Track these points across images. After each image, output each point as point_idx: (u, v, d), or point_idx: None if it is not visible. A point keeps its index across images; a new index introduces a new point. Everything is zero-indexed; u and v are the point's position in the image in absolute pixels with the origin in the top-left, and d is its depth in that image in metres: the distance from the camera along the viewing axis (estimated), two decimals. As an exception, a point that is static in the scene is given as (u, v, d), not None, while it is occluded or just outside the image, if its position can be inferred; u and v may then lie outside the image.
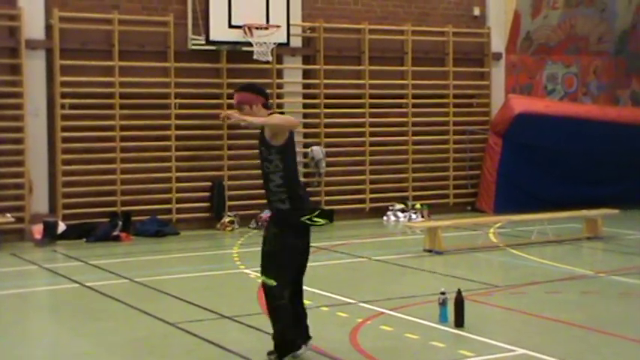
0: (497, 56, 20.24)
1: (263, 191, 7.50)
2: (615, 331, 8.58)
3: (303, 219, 7.36)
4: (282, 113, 7.64)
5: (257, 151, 7.50)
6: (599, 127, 19.20)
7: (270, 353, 7.51)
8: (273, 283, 7.27)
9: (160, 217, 16.69)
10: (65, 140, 16.11)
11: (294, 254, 7.39)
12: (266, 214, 17.05)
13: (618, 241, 14.92)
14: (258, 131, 7.50)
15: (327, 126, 18.22)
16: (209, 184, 17.30)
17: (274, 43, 16.73)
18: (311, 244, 7.57)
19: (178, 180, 17.09)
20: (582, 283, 11.29)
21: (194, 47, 16.93)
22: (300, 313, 7.58)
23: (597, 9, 20.88)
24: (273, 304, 7.35)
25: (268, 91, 17.63)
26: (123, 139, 16.58)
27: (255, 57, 16.59)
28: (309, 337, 7.60)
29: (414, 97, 19.27)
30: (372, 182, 18.86)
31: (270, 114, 7.41)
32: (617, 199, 17.82)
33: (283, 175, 7.31)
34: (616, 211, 15.65)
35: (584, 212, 15.54)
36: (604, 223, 15.29)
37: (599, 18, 21.04)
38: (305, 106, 18.38)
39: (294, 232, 7.37)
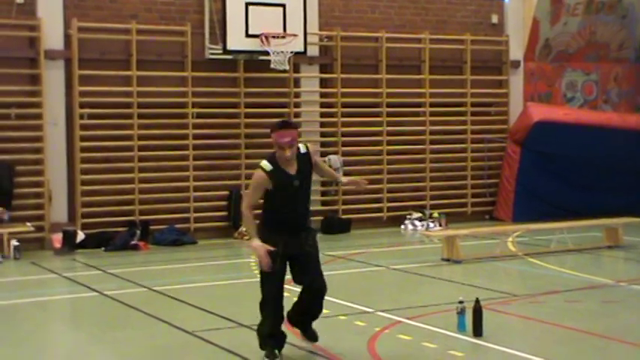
0: (516, 64, 20.19)
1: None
2: (636, 341, 8.51)
3: None
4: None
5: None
6: (619, 135, 19.11)
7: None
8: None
9: (177, 226, 16.72)
10: (84, 150, 16.18)
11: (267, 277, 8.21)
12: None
13: (639, 250, 14.82)
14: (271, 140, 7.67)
15: (344, 135, 18.21)
16: (226, 193, 17.32)
17: (291, 52, 16.73)
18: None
19: (196, 189, 17.11)
20: (602, 292, 11.22)
21: (211, 56, 16.98)
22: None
23: (618, 15, 20.81)
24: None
25: (285, 100, 17.85)
26: (141, 148, 16.62)
27: (272, 66, 16.60)
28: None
29: (432, 105, 19.23)
30: (389, 191, 18.82)
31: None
32: (637, 207, 17.72)
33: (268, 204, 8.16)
34: (637, 219, 15.56)
35: (604, 221, 15.45)
36: (624, 231, 15.18)
37: (620, 25, 20.96)
38: (322, 115, 18.38)
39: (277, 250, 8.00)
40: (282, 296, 8.01)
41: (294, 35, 16.69)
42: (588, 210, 17.67)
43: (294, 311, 8.21)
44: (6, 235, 14.97)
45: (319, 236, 16.98)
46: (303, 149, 7.87)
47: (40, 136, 15.86)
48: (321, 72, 18.42)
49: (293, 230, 7.97)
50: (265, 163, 7.75)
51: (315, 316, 8.19)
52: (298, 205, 7.95)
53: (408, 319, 9.54)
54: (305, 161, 7.86)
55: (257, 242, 7.83)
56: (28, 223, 15.42)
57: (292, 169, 7.81)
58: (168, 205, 16.90)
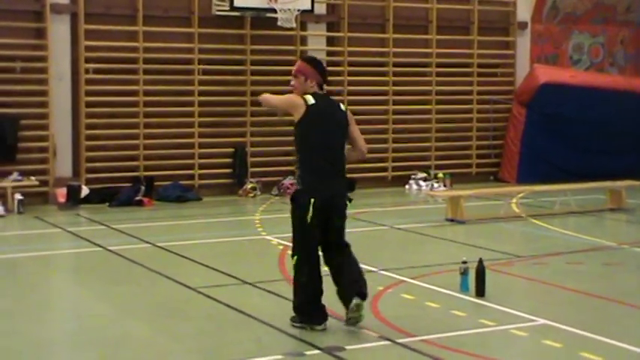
0: (523, 25, 20.08)
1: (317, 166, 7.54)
2: (637, 303, 8.55)
3: None
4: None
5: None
6: (624, 98, 19.06)
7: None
8: (297, 257, 7.60)
9: (182, 182, 16.74)
10: (89, 105, 16.16)
11: (301, 229, 7.63)
12: (289, 180, 17.09)
13: (642, 213, 14.86)
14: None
15: (350, 94, 18.15)
16: (232, 150, 17.32)
17: (298, 10, 16.65)
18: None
19: (201, 146, 17.11)
20: (604, 254, 11.26)
21: (218, 13, 16.89)
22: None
23: (626, -22, 20.68)
24: (297, 277, 7.65)
25: (292, 58, 17.75)
26: (146, 104, 16.60)
27: (279, 23, 16.54)
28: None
29: (438, 65, 19.16)
30: (394, 150, 18.81)
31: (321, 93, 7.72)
32: (641, 170, 17.74)
33: (301, 152, 7.71)
34: (640, 182, 15.58)
35: (608, 183, 15.46)
36: (628, 194, 15.20)
37: (628, -13, 20.83)
38: (328, 73, 18.26)
39: (305, 212, 7.51)
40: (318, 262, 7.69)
41: (302, -7, 16.61)
42: (592, 172, 17.66)
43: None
44: (10, 188, 15.00)
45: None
46: (342, 107, 7.85)
47: (45, 91, 15.83)
48: (328, 30, 18.35)
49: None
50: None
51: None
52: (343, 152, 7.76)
53: (411, 278, 9.58)
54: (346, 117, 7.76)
55: None
56: (33, 177, 15.45)
57: None
58: (172, 161, 16.90)
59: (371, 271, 9.99)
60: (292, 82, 7.68)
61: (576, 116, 18.85)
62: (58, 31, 15.94)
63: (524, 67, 19.96)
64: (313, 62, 7.79)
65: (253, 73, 17.36)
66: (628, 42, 21.41)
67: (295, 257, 7.56)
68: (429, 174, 18.65)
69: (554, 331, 7.55)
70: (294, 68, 7.73)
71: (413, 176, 18.62)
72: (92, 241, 12.08)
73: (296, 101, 7.59)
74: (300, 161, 7.61)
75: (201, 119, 17.08)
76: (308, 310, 7.56)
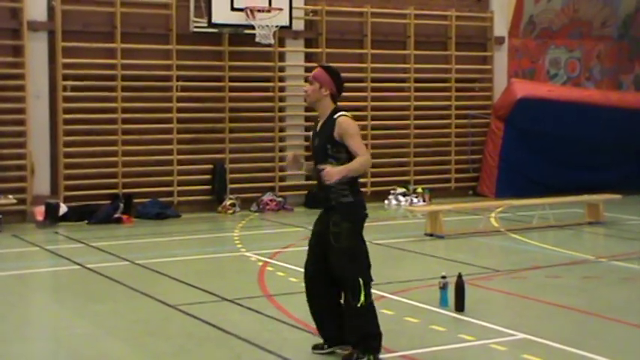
0: (500, 40, 20.20)
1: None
2: (616, 317, 8.58)
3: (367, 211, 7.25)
4: (336, 109, 7.33)
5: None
6: (601, 112, 19.16)
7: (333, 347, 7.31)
8: (363, 281, 6.98)
9: (161, 199, 16.69)
10: (67, 122, 16.11)
11: (365, 247, 7.18)
12: (268, 197, 17.12)
13: (620, 227, 14.92)
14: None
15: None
16: (210, 166, 17.29)
17: (276, 26, 16.67)
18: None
19: (180, 162, 17.08)
20: (583, 268, 11.29)
21: (196, 30, 16.91)
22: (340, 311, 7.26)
23: (601, -7, 20.83)
24: (368, 301, 7.01)
25: (270, 74, 17.72)
26: (124, 121, 16.57)
27: (257, 40, 16.54)
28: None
29: (416, 80, 19.23)
30: (373, 166, 18.72)
31: (337, 111, 7.25)
32: (618, 184, 17.85)
33: None
34: (618, 196, 15.64)
35: (586, 197, 15.53)
36: (605, 208, 15.27)
37: (603, 2, 20.99)
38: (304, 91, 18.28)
39: (361, 226, 7.20)
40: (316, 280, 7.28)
41: (280, 9, 16.63)
42: (570, 186, 17.75)
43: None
44: (-12, 207, 14.93)
45: (303, 211, 17.10)
46: (336, 115, 7.22)
47: (23, 108, 15.77)
48: (306, 46, 18.38)
49: (320, 201, 7.39)
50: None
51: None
52: (316, 170, 7.18)
53: (390, 293, 9.57)
54: (330, 125, 7.15)
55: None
56: (10, 196, 15.37)
57: (320, 125, 7.33)
58: (151, 178, 16.85)
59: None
60: (306, 88, 7.41)
61: (554, 130, 18.94)
62: (36, 48, 15.89)
63: (502, 81, 20.06)
64: (331, 70, 7.47)
65: (232, 89, 17.35)
66: (604, 56, 21.57)
67: (361, 280, 6.98)
68: (408, 189, 18.69)
69: (534, 345, 7.55)
70: (311, 74, 7.48)
71: (392, 191, 18.66)
72: (71, 259, 12.01)
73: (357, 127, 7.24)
74: (352, 178, 7.04)
75: (180, 136, 17.06)
76: (380, 339, 7.10)
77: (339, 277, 7.06)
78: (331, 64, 8.23)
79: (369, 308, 7.01)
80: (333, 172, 6.83)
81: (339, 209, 7.08)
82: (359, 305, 6.93)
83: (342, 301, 7.15)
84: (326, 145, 7.10)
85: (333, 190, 7.04)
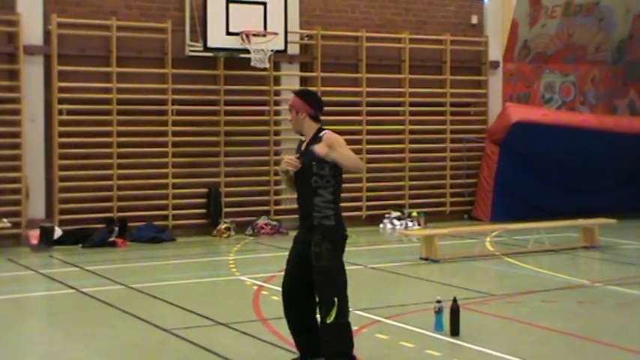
0: (495, 64, 20.27)
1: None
2: (612, 342, 8.57)
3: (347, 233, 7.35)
4: (320, 129, 7.29)
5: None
6: (596, 136, 19.20)
7: None
8: (338, 300, 7.07)
9: (156, 223, 16.68)
10: (62, 146, 16.11)
11: (344, 268, 7.30)
12: (263, 221, 17.12)
13: (615, 251, 14.92)
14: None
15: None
16: (206, 190, 17.30)
17: (272, 50, 16.73)
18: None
19: (175, 186, 17.08)
20: (579, 292, 11.28)
21: (192, 54, 16.96)
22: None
23: (595, 18, 20.91)
24: (344, 320, 7.13)
25: (264, 98, 17.77)
26: (120, 145, 16.58)
27: (252, 64, 16.59)
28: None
29: (412, 105, 19.28)
30: (368, 190, 18.85)
31: (321, 130, 7.24)
32: (614, 208, 17.86)
33: (333, 190, 7.25)
34: (613, 220, 15.63)
35: (581, 221, 15.53)
36: (601, 232, 15.27)
37: (597, 27, 21.07)
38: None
39: (343, 246, 7.35)
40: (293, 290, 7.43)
41: (275, 33, 16.69)
42: (565, 210, 17.76)
43: None
44: (-17, 231, 14.90)
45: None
46: (321, 134, 7.23)
47: (19, 132, 15.78)
48: (302, 70, 18.42)
49: (301, 218, 7.47)
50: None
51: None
52: (300, 188, 7.36)
53: (385, 318, 9.56)
54: (315, 143, 7.13)
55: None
56: (5, 219, 15.34)
57: (304, 145, 7.37)
58: (146, 202, 16.84)
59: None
60: (288, 118, 7.46)
61: (549, 155, 18.98)
62: (32, 72, 15.91)
63: (497, 105, 20.11)
64: (302, 94, 7.45)
65: (227, 113, 17.38)
66: (598, 81, 21.64)
67: (336, 299, 7.09)
68: (403, 213, 18.69)
69: (530, 370, 7.55)
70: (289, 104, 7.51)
71: (387, 215, 18.66)
72: (65, 283, 11.98)
73: (361, 166, 7.44)
74: (335, 197, 7.26)
75: (175, 160, 17.07)
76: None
77: (317, 294, 7.17)
78: (309, 87, 8.28)
79: (341, 327, 7.08)
80: (321, 148, 6.99)
81: (320, 229, 7.22)
82: (329, 322, 7.04)
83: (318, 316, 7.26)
84: (311, 163, 7.17)
85: (317, 209, 7.19)
